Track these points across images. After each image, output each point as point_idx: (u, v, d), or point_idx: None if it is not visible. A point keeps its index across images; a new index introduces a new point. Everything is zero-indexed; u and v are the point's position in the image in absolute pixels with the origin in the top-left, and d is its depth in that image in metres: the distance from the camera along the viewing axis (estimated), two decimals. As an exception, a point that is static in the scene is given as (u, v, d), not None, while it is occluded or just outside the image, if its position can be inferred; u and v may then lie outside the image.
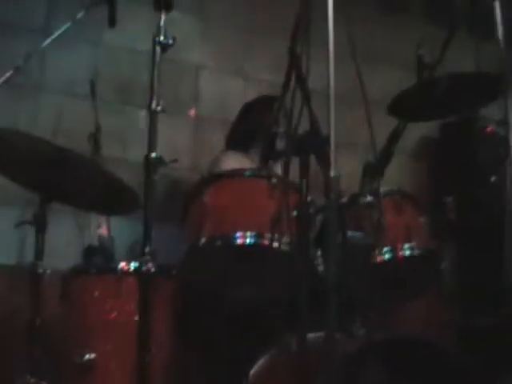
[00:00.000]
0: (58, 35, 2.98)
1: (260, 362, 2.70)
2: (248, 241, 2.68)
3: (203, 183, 2.87)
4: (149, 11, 4.03)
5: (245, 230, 2.68)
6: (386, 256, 2.84)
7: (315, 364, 2.26)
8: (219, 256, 2.77)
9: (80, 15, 2.98)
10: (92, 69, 3.67)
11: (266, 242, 2.67)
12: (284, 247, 2.64)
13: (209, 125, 4.28)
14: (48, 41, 2.93)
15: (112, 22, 2.95)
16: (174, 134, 4.07)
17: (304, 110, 2.32)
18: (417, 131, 4.54)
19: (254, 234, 2.68)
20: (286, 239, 2.64)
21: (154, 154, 2.64)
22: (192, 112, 4.21)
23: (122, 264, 2.91)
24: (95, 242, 3.26)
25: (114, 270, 2.90)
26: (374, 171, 3.02)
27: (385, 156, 3.02)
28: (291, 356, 2.59)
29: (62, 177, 2.76)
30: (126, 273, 2.88)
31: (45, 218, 2.81)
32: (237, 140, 3.85)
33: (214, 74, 4.40)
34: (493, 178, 4.37)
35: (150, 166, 2.63)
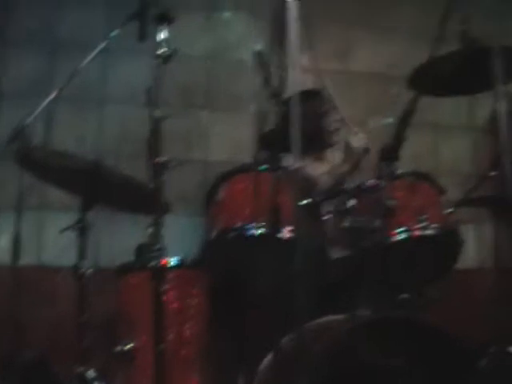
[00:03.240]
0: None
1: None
2: (258, 232, 2.84)
3: (217, 181, 3.04)
4: (199, 16, 4.30)
5: (255, 221, 2.85)
6: (401, 236, 2.92)
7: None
8: (232, 248, 2.95)
9: (114, 33, 3.24)
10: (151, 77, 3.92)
11: (275, 233, 2.82)
12: (286, 236, 2.79)
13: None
14: (87, 59, 3.23)
15: (142, 37, 3.16)
16: (236, 131, 4.26)
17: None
18: (487, 105, 4.47)
19: (263, 225, 2.84)
20: (289, 228, 2.78)
21: (162, 158, 2.87)
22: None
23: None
24: (147, 241, 3.49)
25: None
26: (390, 154, 3.11)
27: (398, 138, 3.10)
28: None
29: (98, 184, 3.08)
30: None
31: (86, 222, 3.12)
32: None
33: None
34: None
35: (159, 168, 2.86)
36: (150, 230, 3.35)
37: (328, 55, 4.76)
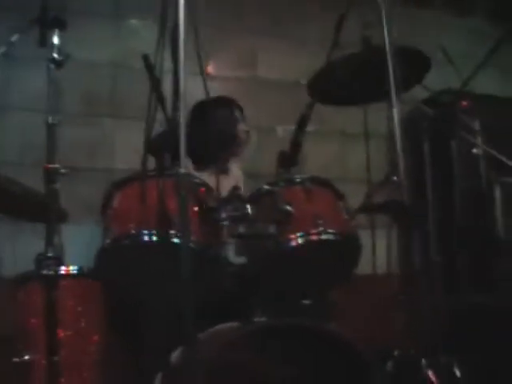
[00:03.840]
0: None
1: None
2: (149, 238, 2.80)
3: (111, 189, 3.01)
4: (106, 23, 4.27)
5: (148, 228, 2.81)
6: (298, 241, 2.90)
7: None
8: (125, 256, 2.91)
9: (14, 38, 3.19)
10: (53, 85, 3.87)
11: (166, 239, 2.78)
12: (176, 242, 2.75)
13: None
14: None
15: (42, 42, 3.10)
16: (141, 139, 4.21)
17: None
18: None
19: (156, 231, 2.78)
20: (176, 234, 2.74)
21: (54, 166, 2.84)
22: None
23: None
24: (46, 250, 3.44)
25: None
26: (287, 160, 3.13)
27: (295, 144, 3.12)
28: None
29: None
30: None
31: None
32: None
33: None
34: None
35: (51, 176, 2.82)
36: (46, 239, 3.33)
37: (236, 63, 4.79)
